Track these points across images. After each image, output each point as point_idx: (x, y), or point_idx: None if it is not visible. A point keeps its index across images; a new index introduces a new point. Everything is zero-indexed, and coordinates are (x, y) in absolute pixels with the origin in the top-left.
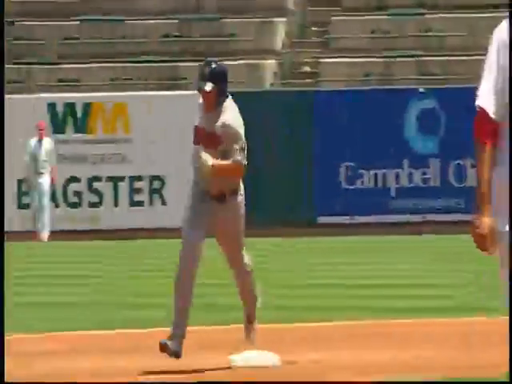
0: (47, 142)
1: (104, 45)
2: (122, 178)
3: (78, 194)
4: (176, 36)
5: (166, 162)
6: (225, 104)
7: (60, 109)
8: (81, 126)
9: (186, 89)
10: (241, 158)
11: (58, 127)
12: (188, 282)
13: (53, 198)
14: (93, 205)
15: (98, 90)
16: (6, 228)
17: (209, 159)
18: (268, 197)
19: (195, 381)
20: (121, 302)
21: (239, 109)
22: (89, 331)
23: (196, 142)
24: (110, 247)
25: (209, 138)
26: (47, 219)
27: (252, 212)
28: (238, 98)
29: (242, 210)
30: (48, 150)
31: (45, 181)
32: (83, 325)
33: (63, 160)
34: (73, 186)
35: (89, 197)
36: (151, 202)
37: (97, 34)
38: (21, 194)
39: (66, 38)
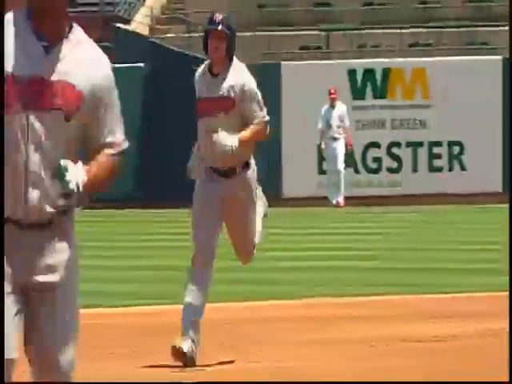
0: (339, 107)
1: (404, 10)
2: (421, 144)
3: (377, 159)
4: (477, 0)
5: (465, 127)
6: (233, 64)
7: (360, 75)
8: (380, 92)
9: (486, 54)
10: (264, 113)
11: (357, 93)
12: (201, 286)
13: (352, 163)
14: (392, 170)
15: (398, 56)
16: (308, 193)
17: (229, 138)
18: None
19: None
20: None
21: None
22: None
23: (200, 114)
24: (411, 212)
25: (218, 103)
26: (342, 185)
27: None
28: None
29: (254, 187)
30: (341, 115)
31: (339, 146)
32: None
33: (363, 126)
34: (372, 152)
35: (388, 162)
36: (450, 168)
37: None
38: (320, 159)
39: (366, 4)
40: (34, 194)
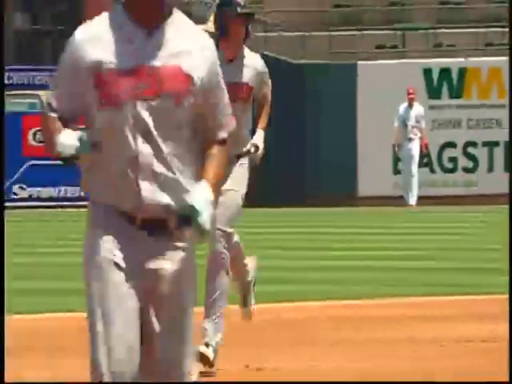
0: (417, 108)
1: (480, 10)
2: (496, 143)
3: (453, 159)
4: None
5: None
6: (244, 48)
7: (435, 74)
8: (456, 91)
9: None
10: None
11: (433, 92)
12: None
13: (427, 163)
14: (468, 170)
15: (474, 55)
16: (383, 193)
17: (261, 143)
18: None
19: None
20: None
21: None
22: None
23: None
24: (485, 212)
25: (239, 90)
26: (415, 185)
27: None
28: None
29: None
30: (418, 116)
31: (414, 146)
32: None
33: (439, 125)
34: (448, 151)
35: (464, 162)
36: None
37: None
38: (395, 159)
39: (442, 3)
40: (146, 187)
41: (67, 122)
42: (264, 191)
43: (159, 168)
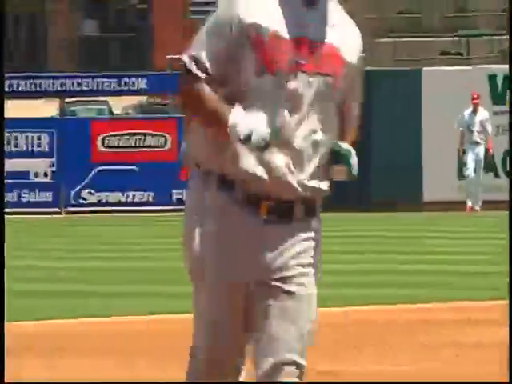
0: (482, 112)
1: None
2: None
3: None
4: None
5: None
6: None
7: (500, 80)
8: None
9: None
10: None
11: (497, 98)
12: None
13: (492, 168)
14: None
15: None
16: (448, 198)
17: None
18: None
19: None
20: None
21: None
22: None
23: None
24: None
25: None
26: (479, 192)
27: None
28: None
29: None
30: (483, 121)
31: (479, 151)
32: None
33: (503, 131)
34: None
35: None
36: None
37: None
38: (460, 164)
39: (504, 10)
40: (279, 164)
41: (211, 86)
42: (330, 196)
43: (298, 145)
